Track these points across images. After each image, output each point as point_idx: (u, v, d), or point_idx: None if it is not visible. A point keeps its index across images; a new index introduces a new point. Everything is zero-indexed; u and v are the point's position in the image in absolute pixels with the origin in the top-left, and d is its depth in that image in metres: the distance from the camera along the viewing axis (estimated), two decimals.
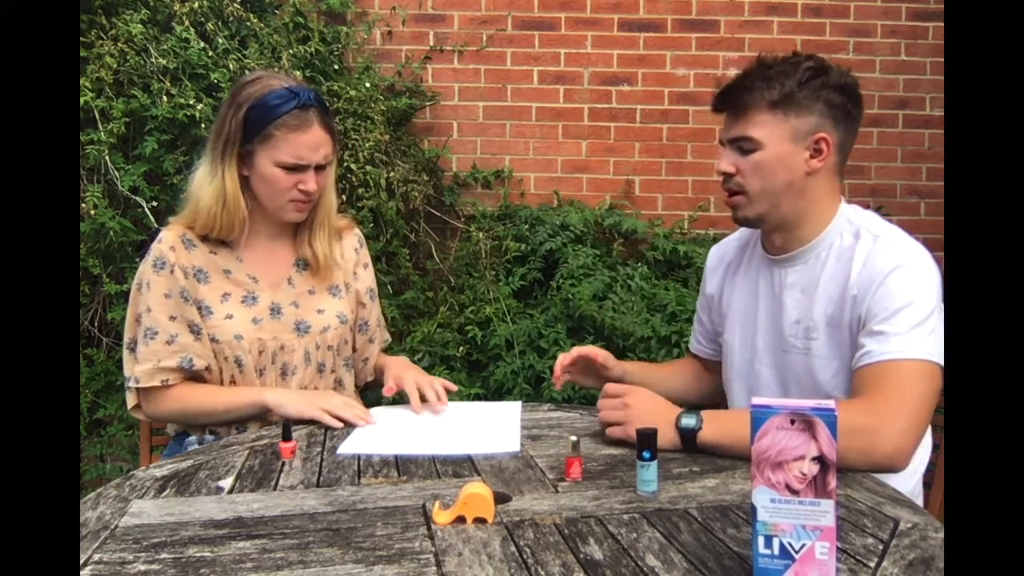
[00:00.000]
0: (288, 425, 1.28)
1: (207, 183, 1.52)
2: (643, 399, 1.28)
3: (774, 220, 1.39)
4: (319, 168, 1.52)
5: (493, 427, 1.38)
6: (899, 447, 1.16)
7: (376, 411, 1.54)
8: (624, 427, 1.25)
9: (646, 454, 1.05)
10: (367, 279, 1.73)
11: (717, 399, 1.67)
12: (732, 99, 1.36)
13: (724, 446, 1.19)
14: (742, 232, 1.60)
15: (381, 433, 1.39)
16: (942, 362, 1.23)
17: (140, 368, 1.49)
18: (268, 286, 1.58)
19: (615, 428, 1.26)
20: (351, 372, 1.69)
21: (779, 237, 1.42)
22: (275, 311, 1.57)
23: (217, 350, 1.52)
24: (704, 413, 1.22)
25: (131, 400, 1.55)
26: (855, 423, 1.12)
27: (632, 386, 1.33)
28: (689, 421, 1.21)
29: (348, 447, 1.30)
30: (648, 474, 1.06)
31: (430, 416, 1.51)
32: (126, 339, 1.55)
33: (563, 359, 1.52)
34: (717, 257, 1.64)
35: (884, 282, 1.27)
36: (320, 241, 1.62)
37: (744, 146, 1.35)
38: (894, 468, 1.17)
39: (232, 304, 1.54)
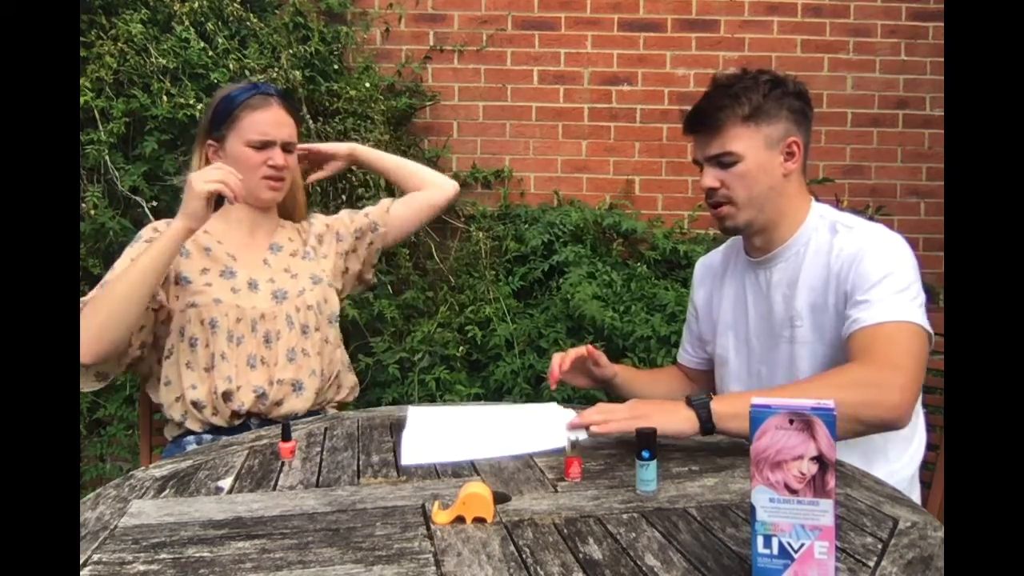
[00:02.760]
0: (287, 425, 1.28)
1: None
2: (645, 400, 1.28)
3: (759, 224, 1.46)
4: (286, 148, 1.66)
5: (548, 427, 1.34)
6: (904, 400, 1.20)
7: (414, 411, 1.50)
8: (637, 419, 1.18)
9: (645, 453, 1.06)
10: (344, 217, 1.87)
11: None
12: (705, 120, 1.43)
13: (741, 414, 1.12)
14: (726, 245, 1.66)
15: (436, 439, 1.33)
16: (928, 327, 1.29)
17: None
18: (246, 265, 1.67)
19: (627, 422, 1.19)
20: (335, 326, 1.74)
21: (761, 239, 1.48)
22: (252, 285, 1.65)
23: (194, 314, 1.57)
24: (712, 395, 1.21)
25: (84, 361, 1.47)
26: (863, 376, 1.20)
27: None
28: (699, 397, 1.20)
29: (409, 457, 1.23)
30: (647, 473, 1.06)
31: (478, 418, 1.46)
32: None
33: (561, 363, 1.50)
34: (703, 269, 1.69)
35: (863, 259, 1.34)
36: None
37: (725, 160, 1.42)
38: (898, 423, 1.21)
39: (211, 276, 1.62)
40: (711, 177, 1.43)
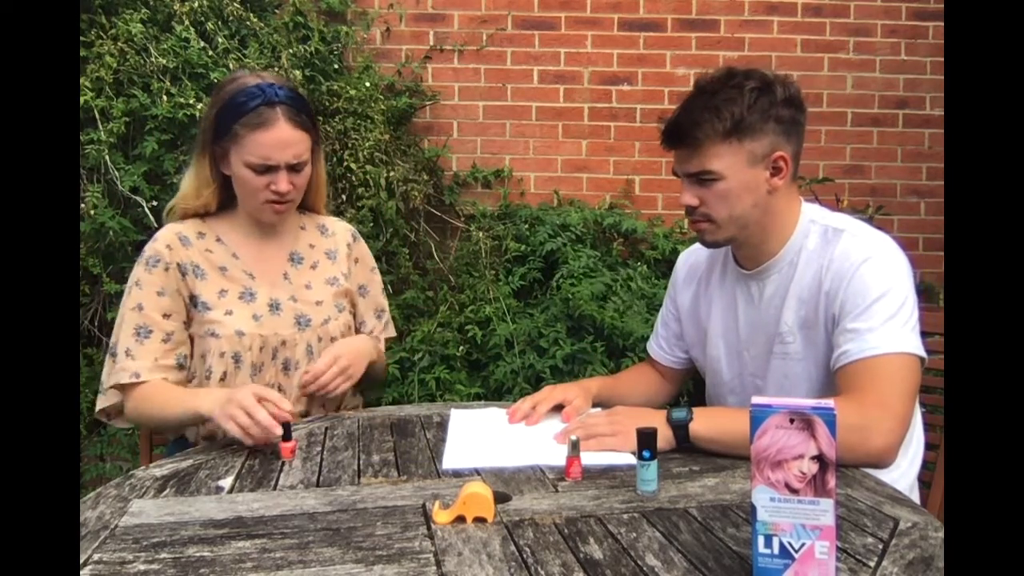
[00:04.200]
0: (288, 425, 1.27)
1: (187, 181, 1.58)
2: (626, 409, 1.32)
3: (741, 239, 1.39)
4: (293, 168, 1.48)
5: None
6: (889, 443, 1.18)
7: (457, 413, 1.48)
8: (616, 438, 1.23)
9: (646, 453, 1.06)
10: (358, 275, 1.72)
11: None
12: (682, 136, 1.33)
13: (716, 440, 1.20)
14: None
15: (479, 444, 1.31)
16: (920, 352, 1.25)
17: (139, 363, 1.46)
18: (265, 283, 1.57)
19: (608, 439, 1.23)
20: None
21: (750, 252, 1.42)
22: (274, 307, 1.55)
23: (215, 345, 1.49)
24: (693, 408, 1.23)
25: (102, 402, 1.53)
26: (848, 419, 1.13)
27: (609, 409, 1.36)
28: (679, 414, 1.22)
29: (451, 462, 1.21)
30: (648, 473, 1.06)
31: (521, 424, 1.42)
32: (112, 342, 1.51)
33: (539, 407, 1.42)
34: (688, 268, 1.61)
35: (855, 276, 1.28)
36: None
37: (704, 178, 1.33)
38: (883, 464, 1.19)
39: (230, 300, 1.52)
40: (690, 195, 1.35)
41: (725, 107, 1.30)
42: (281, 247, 1.62)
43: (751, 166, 1.32)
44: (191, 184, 1.57)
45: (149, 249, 1.52)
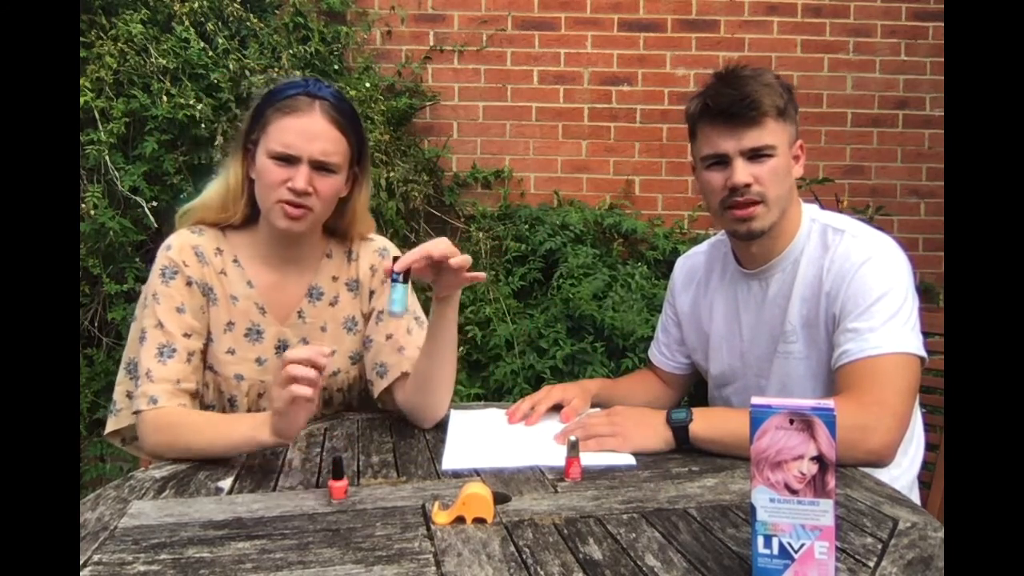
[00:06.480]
0: (339, 460, 1.07)
1: (214, 189, 1.43)
2: (626, 410, 1.31)
3: (774, 228, 1.36)
4: (319, 168, 1.32)
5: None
6: (887, 442, 1.18)
7: (456, 414, 1.45)
8: (615, 438, 1.23)
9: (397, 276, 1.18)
10: (384, 297, 1.48)
11: None
12: (750, 107, 1.29)
13: (716, 440, 1.20)
14: (708, 246, 1.58)
15: (478, 445, 1.30)
16: (921, 352, 1.25)
17: (158, 387, 1.29)
18: (276, 319, 1.43)
19: (608, 440, 1.23)
20: (364, 390, 1.56)
21: (760, 248, 1.40)
22: (281, 348, 1.42)
23: (212, 380, 1.38)
24: (693, 409, 1.23)
25: (113, 424, 1.38)
26: (847, 419, 1.13)
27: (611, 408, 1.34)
28: (679, 415, 1.22)
29: (451, 462, 1.21)
30: (396, 294, 1.17)
31: (519, 424, 1.41)
32: (125, 359, 1.39)
33: (539, 408, 1.41)
34: (686, 273, 1.60)
35: (855, 277, 1.29)
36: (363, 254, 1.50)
37: (762, 154, 1.31)
38: (882, 463, 1.19)
39: (235, 337, 1.40)
40: (745, 172, 1.30)
41: (775, 86, 1.33)
42: (301, 279, 1.45)
43: (789, 147, 1.35)
44: (217, 194, 1.41)
45: (164, 258, 1.37)
